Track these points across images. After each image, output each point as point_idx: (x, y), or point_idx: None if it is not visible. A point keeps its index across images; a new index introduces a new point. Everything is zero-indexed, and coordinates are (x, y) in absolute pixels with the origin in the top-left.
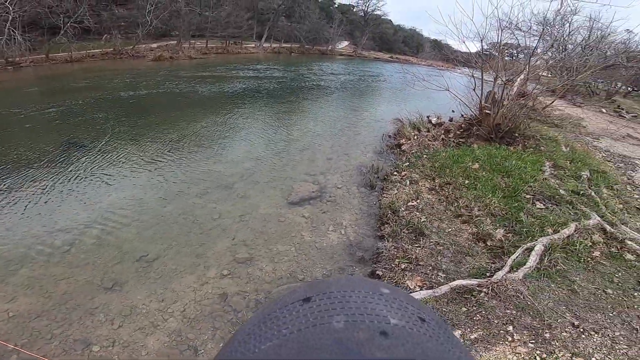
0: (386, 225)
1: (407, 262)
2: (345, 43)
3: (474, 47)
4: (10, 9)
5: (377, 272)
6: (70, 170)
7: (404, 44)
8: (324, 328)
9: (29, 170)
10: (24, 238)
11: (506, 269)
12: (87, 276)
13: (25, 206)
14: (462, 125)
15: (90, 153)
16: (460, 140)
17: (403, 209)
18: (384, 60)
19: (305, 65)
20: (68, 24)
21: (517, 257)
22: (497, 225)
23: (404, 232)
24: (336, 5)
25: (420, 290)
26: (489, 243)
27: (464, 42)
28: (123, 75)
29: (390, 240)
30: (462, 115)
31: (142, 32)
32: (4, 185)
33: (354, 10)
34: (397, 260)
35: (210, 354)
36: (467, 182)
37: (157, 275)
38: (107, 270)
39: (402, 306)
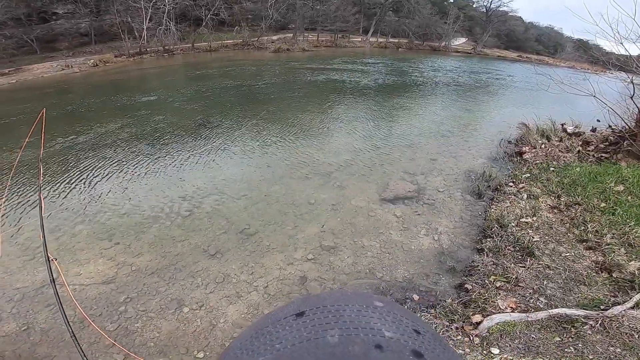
0: (489, 239)
1: (504, 281)
2: (463, 40)
3: (636, 49)
4: (166, 1)
5: (467, 285)
6: (199, 146)
7: (537, 43)
8: (318, 342)
9: (169, 142)
10: (158, 201)
11: (629, 304)
12: (198, 241)
13: (163, 172)
14: (609, 138)
15: (216, 132)
16: (603, 155)
17: (513, 225)
18: (510, 60)
19: (414, 61)
20: (208, 16)
21: None
22: (634, 257)
23: (508, 249)
24: (451, 0)
25: (512, 312)
26: (615, 275)
27: (621, 43)
28: (248, 65)
29: (490, 255)
30: (610, 127)
31: (265, 25)
32: (148, 153)
33: (474, 5)
34: (492, 277)
35: None
36: (603, 204)
37: (252, 249)
38: (214, 237)
39: (397, 319)
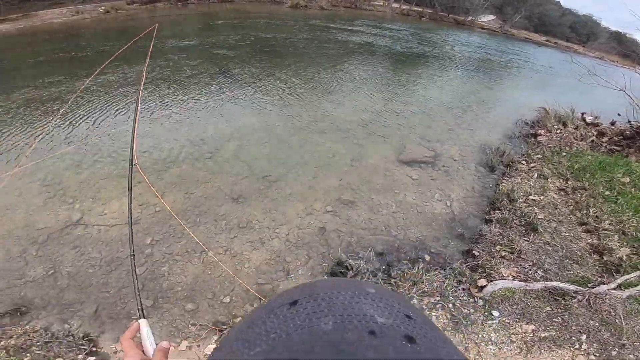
0: (497, 211)
1: (508, 251)
2: (491, 17)
3: None
4: None
5: (474, 251)
6: (223, 92)
7: (570, 30)
8: (312, 330)
9: (193, 89)
10: (178, 140)
11: (613, 285)
12: (220, 184)
13: (187, 116)
14: (625, 133)
15: (238, 81)
16: (616, 147)
17: (521, 200)
18: (536, 43)
19: (439, 33)
20: None
21: (631, 277)
22: (625, 244)
23: (515, 222)
24: None
25: (514, 280)
26: (605, 257)
27: None
28: (265, 18)
29: (498, 226)
30: (630, 122)
31: None
32: (176, 99)
33: None
34: (498, 246)
35: (298, 280)
36: (607, 193)
37: (274, 196)
38: (236, 181)
39: (389, 305)
